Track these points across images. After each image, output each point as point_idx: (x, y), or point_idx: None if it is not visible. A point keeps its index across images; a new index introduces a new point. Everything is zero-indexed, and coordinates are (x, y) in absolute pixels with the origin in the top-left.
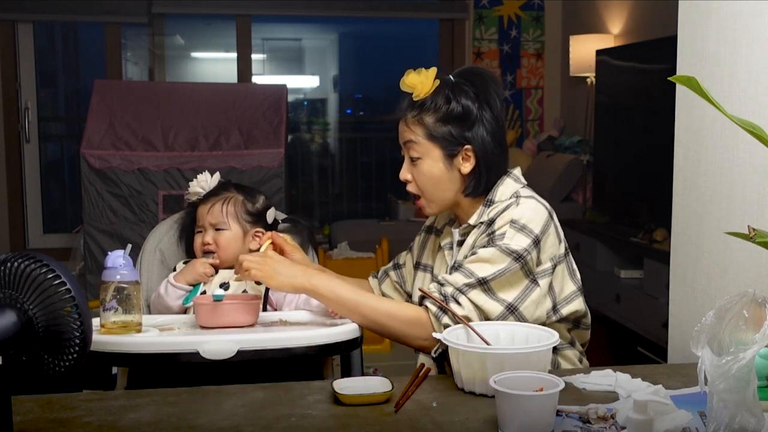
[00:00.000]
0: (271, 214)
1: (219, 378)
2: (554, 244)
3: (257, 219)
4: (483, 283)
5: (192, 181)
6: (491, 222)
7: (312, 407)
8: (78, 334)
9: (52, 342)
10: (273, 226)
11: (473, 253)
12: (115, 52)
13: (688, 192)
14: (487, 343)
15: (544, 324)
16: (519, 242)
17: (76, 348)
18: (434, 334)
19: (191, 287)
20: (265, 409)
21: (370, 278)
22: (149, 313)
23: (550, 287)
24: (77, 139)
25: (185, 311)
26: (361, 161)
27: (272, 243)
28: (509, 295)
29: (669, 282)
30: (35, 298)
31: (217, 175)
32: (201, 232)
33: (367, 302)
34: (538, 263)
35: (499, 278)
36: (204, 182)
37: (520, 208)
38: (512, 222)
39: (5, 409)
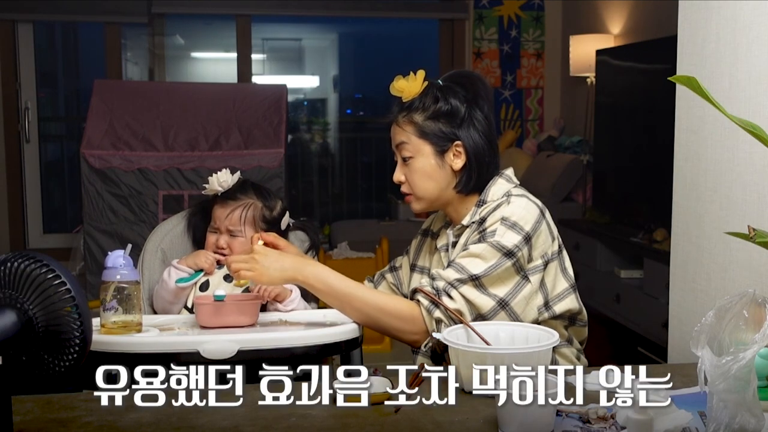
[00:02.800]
0: (285, 221)
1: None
2: (546, 242)
3: (272, 225)
4: (475, 279)
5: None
6: (483, 220)
7: (312, 407)
8: (78, 334)
9: (52, 342)
10: (285, 232)
11: (464, 250)
12: (115, 52)
13: (688, 192)
14: (487, 343)
15: (537, 321)
16: (510, 239)
17: (76, 348)
18: (434, 334)
19: (193, 271)
20: (265, 409)
21: (366, 282)
22: (150, 312)
23: (542, 284)
24: (77, 139)
25: (184, 305)
26: (361, 161)
27: (264, 243)
28: (500, 291)
29: (669, 282)
30: (35, 298)
31: (237, 174)
32: (216, 232)
33: (360, 295)
34: (529, 260)
35: (490, 274)
36: (224, 182)
37: (511, 207)
38: (503, 219)
39: (5, 409)
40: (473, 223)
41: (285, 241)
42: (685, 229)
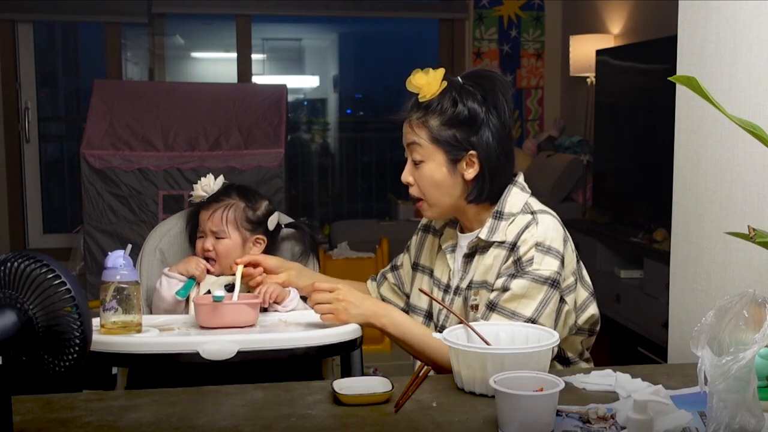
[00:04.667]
0: (273, 221)
1: (219, 378)
2: (571, 257)
3: (258, 226)
4: (531, 323)
5: (195, 183)
6: (513, 246)
7: (312, 407)
8: (78, 334)
9: (52, 342)
10: (274, 233)
11: (505, 289)
12: (115, 52)
13: (688, 192)
14: (487, 343)
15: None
16: (549, 266)
17: (76, 348)
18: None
19: (184, 278)
20: (265, 409)
21: (369, 282)
22: (149, 313)
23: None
24: (77, 139)
25: (184, 307)
26: (361, 161)
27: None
28: (550, 324)
29: (669, 282)
30: (35, 298)
31: (220, 179)
32: (202, 237)
33: (435, 345)
34: (563, 279)
35: (543, 313)
36: (207, 186)
37: (541, 228)
38: (537, 245)
39: (5, 409)
40: (500, 243)
41: (273, 260)
42: (685, 229)
